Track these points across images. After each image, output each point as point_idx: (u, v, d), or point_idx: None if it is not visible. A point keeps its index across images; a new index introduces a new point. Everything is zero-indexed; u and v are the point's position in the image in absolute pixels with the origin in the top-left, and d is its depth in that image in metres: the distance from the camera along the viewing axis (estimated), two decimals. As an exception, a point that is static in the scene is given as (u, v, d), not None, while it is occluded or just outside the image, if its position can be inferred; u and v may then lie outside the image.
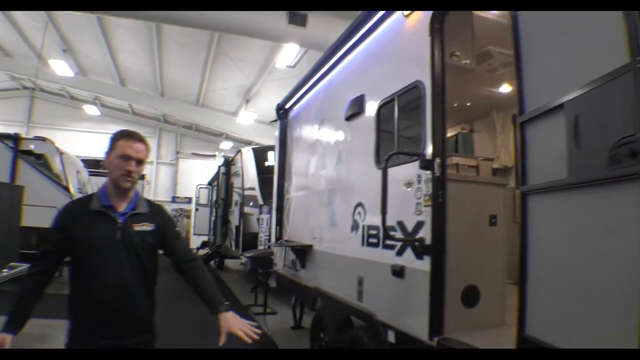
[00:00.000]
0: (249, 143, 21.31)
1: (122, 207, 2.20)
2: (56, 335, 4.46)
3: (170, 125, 24.57)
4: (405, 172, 3.18)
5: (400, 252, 3.16)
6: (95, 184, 11.91)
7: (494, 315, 3.12)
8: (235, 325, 2.15)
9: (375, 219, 3.54)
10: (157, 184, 22.85)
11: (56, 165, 9.11)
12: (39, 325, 3.51)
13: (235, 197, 10.87)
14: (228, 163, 12.22)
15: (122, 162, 2.14)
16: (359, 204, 3.83)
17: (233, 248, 10.73)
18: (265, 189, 9.56)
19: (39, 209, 7.84)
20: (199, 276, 2.32)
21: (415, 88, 3.13)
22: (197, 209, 18.50)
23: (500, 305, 3.22)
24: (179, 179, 24.41)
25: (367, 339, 3.48)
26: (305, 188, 5.43)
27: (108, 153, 2.19)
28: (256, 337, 2.15)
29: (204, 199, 18.22)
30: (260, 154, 10.37)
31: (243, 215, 9.71)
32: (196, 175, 22.78)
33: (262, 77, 14.75)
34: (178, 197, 22.96)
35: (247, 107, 17.60)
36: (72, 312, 2.16)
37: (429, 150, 2.92)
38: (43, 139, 9.45)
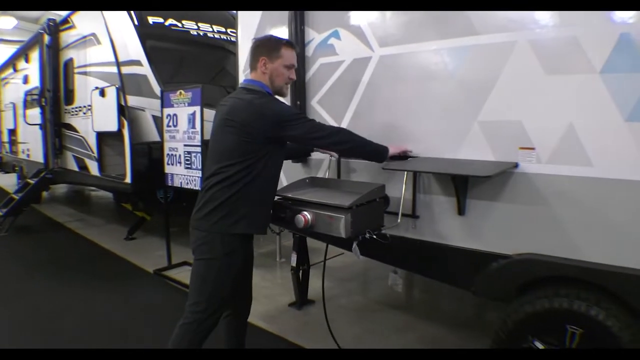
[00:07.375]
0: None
1: None
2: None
3: None
4: None
5: None
6: None
7: None
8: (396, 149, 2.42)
9: None
10: None
11: None
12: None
13: (92, 82, 6.20)
14: (55, 28, 7.08)
15: (287, 71, 2.21)
16: None
17: (92, 170, 6.33)
18: (160, 62, 5.65)
19: None
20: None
21: None
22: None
23: None
24: None
25: None
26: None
27: (271, 59, 2.16)
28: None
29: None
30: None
31: (124, 111, 5.33)
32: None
33: None
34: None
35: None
36: (260, 196, 2.17)
37: None
38: None
